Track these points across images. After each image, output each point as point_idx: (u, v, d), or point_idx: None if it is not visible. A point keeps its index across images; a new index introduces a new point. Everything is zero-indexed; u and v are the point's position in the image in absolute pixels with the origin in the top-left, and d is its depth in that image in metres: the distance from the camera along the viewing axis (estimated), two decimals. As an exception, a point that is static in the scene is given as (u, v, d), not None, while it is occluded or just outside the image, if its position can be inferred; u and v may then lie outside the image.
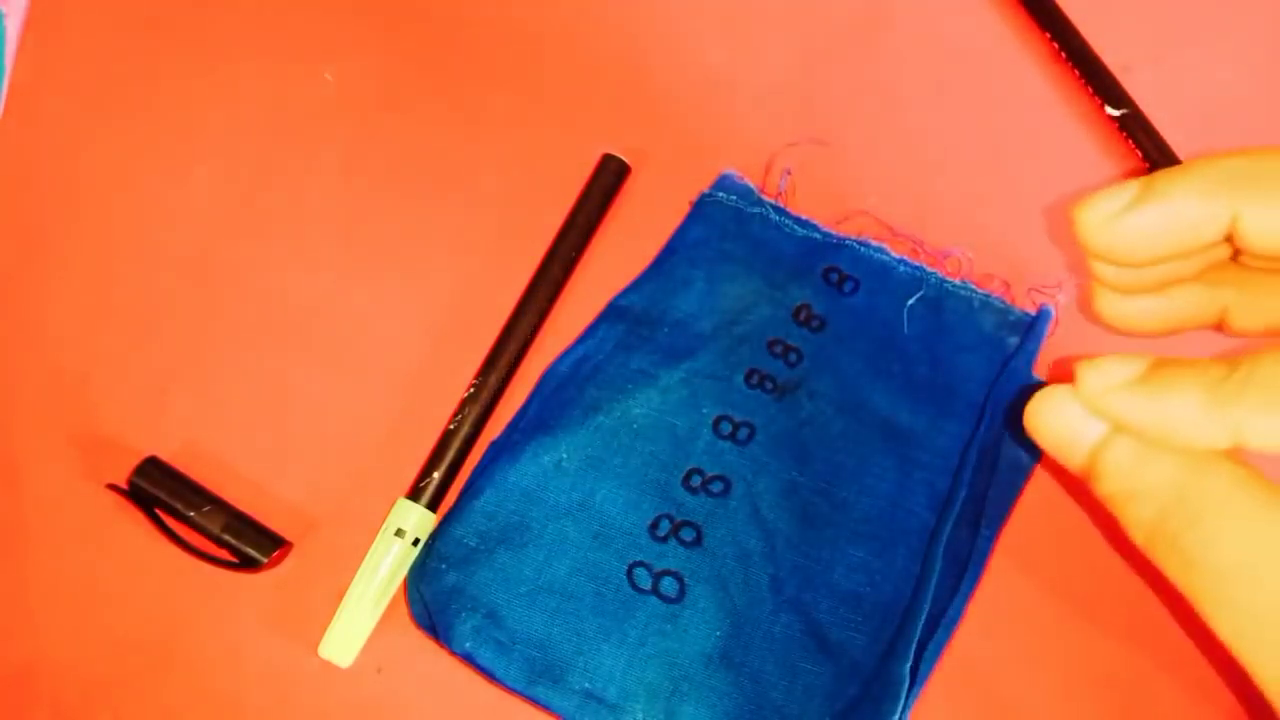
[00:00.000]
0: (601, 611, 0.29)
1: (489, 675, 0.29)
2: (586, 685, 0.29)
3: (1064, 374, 0.32)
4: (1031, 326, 0.32)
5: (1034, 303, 0.33)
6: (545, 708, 0.29)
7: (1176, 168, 0.24)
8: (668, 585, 0.30)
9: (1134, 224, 0.24)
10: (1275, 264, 0.25)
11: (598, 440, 0.31)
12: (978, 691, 0.30)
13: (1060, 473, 0.32)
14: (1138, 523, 0.23)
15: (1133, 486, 0.23)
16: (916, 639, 0.28)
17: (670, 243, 0.34)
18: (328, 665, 0.30)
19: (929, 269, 0.33)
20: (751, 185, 0.34)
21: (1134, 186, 0.24)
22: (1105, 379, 0.23)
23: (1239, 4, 0.37)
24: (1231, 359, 0.22)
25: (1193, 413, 0.22)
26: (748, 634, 0.29)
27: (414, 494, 0.31)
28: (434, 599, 0.29)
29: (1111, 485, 0.23)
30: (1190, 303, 0.27)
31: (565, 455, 0.31)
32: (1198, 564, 0.22)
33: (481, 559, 0.30)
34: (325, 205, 0.36)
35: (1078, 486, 0.32)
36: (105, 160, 0.37)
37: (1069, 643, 0.31)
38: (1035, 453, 0.31)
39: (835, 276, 0.33)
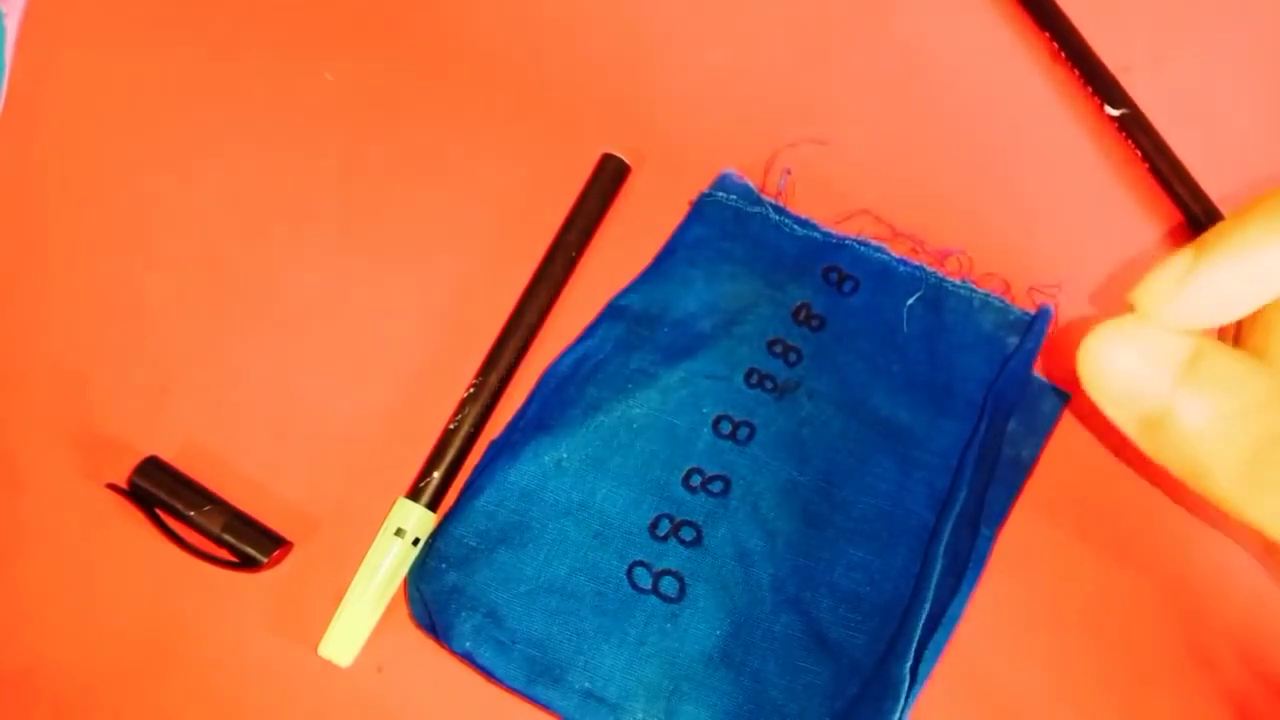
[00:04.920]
0: (601, 611, 0.29)
1: (489, 675, 0.29)
2: (586, 685, 0.29)
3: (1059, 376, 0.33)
4: (1031, 326, 0.32)
5: (1034, 302, 0.33)
6: (545, 707, 0.29)
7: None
8: (668, 585, 0.30)
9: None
10: None
11: (598, 440, 0.31)
12: (978, 691, 0.30)
13: (1060, 473, 0.32)
14: (1230, 456, 0.19)
15: (1231, 404, 0.20)
16: (916, 639, 0.28)
17: (670, 242, 0.34)
18: (328, 665, 0.30)
19: (929, 269, 0.33)
20: (751, 185, 0.34)
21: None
22: (1168, 273, 0.20)
23: (1239, 5, 0.37)
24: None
25: (1269, 240, 0.19)
26: (748, 633, 0.29)
27: (414, 493, 0.31)
28: (434, 598, 0.29)
29: (1204, 411, 0.20)
30: None
31: (565, 455, 0.31)
32: None
33: (481, 558, 0.30)
34: (325, 205, 0.36)
35: (1077, 486, 0.32)
36: (105, 160, 0.37)
37: (1069, 643, 0.31)
38: (1035, 452, 0.31)
39: (835, 276, 0.33)
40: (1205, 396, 0.20)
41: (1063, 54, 0.36)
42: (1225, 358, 0.20)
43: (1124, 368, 0.20)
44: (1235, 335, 0.24)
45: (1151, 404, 0.20)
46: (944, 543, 0.29)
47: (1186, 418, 0.20)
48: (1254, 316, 0.22)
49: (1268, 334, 0.22)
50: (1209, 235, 0.20)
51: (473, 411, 0.32)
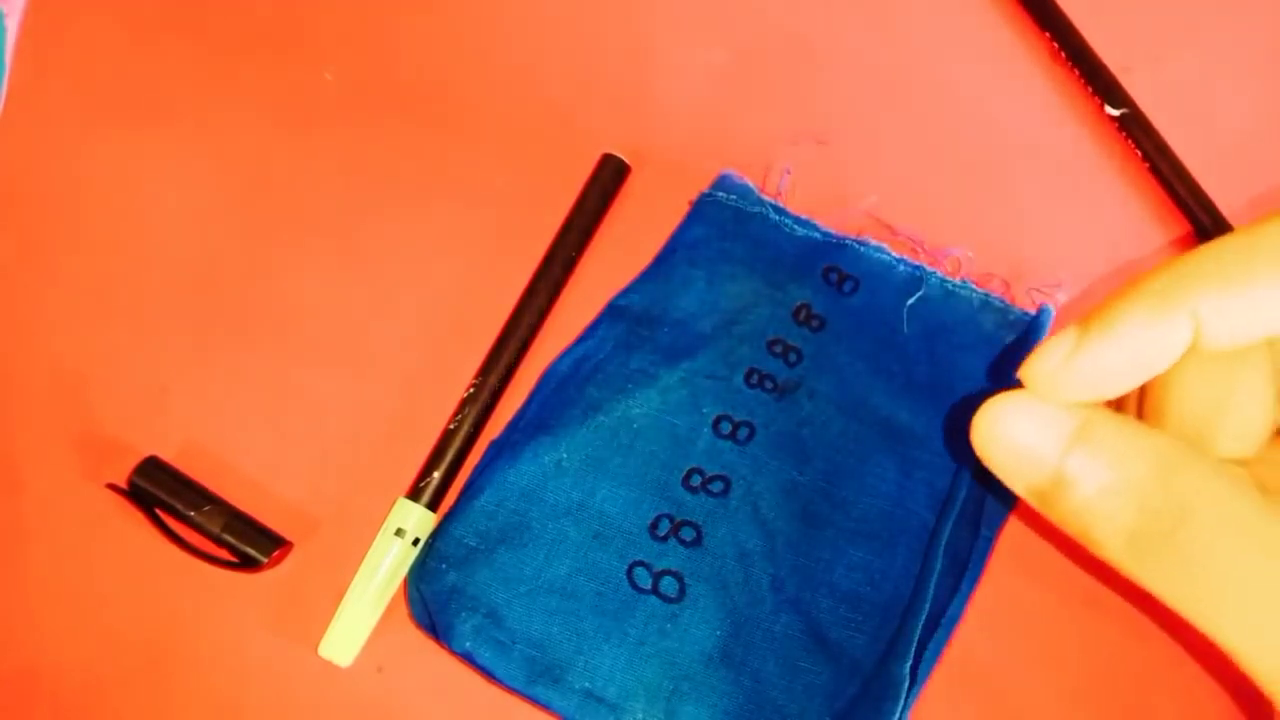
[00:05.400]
0: (601, 611, 0.29)
1: (489, 675, 0.29)
2: (586, 685, 0.29)
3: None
4: (1031, 326, 0.32)
5: (1034, 303, 0.33)
6: (545, 707, 0.29)
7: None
8: (668, 585, 0.30)
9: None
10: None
11: (598, 440, 0.31)
12: (978, 691, 0.30)
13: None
14: (1117, 530, 0.21)
15: (1114, 479, 0.20)
16: (916, 639, 0.28)
17: (670, 242, 0.34)
18: (328, 665, 0.30)
19: (929, 268, 0.33)
20: (751, 185, 0.34)
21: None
22: (1053, 354, 0.21)
23: (1239, 5, 0.37)
24: (1162, 263, 0.21)
25: (1149, 324, 0.20)
26: (748, 633, 0.29)
27: (414, 494, 0.31)
28: (434, 598, 0.29)
29: (1090, 484, 0.21)
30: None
31: (565, 455, 0.31)
32: (1195, 562, 0.20)
33: (481, 558, 0.30)
34: (325, 205, 0.36)
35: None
36: (105, 160, 0.37)
37: (1069, 643, 0.31)
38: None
39: (835, 276, 0.33)
40: (1091, 469, 0.21)
41: (1063, 54, 0.36)
42: (1112, 430, 0.21)
43: (1015, 440, 0.22)
44: (1139, 397, 0.24)
45: (1041, 475, 0.21)
46: (944, 543, 0.29)
47: (1074, 490, 0.21)
48: (1152, 381, 0.23)
49: (1164, 397, 0.23)
50: (1093, 313, 0.21)
51: (473, 411, 0.32)
